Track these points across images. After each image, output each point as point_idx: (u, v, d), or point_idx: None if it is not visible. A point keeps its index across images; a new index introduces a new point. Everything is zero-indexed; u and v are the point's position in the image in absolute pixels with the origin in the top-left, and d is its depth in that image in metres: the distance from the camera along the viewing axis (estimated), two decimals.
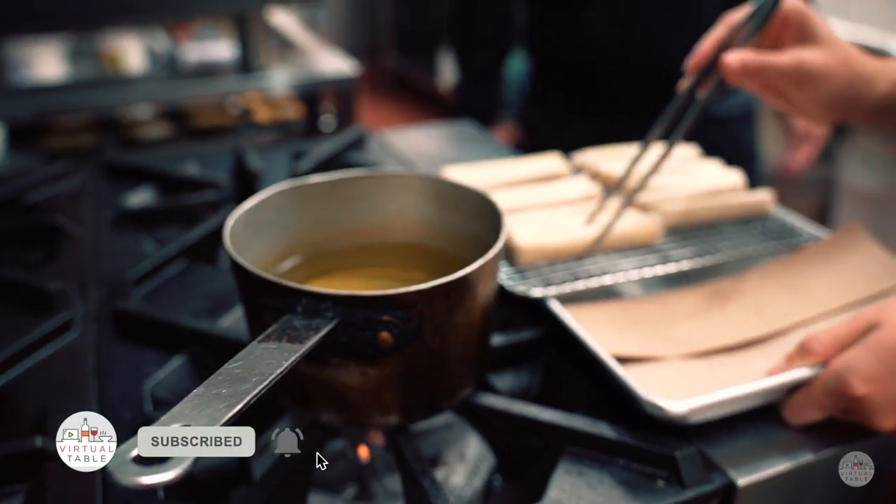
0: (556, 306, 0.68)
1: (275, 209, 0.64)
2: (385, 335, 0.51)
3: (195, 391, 0.38)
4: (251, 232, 0.62)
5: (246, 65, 1.58)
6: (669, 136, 0.76)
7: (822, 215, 2.34)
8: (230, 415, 0.36)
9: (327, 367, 0.53)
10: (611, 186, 0.83)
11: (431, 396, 0.57)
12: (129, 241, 0.87)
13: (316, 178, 0.67)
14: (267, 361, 0.42)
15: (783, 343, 0.67)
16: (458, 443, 0.68)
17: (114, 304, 0.72)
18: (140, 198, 0.98)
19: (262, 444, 0.66)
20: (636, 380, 0.59)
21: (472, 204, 0.65)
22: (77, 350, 0.68)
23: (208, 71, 1.76)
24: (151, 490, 0.53)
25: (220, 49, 2.13)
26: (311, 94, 1.66)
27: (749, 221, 0.83)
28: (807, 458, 0.58)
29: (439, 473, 0.65)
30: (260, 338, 0.45)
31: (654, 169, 0.76)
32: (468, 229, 0.66)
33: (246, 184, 1.01)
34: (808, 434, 0.60)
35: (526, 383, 0.70)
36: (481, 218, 0.63)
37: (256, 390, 0.38)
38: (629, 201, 0.77)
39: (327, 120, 1.70)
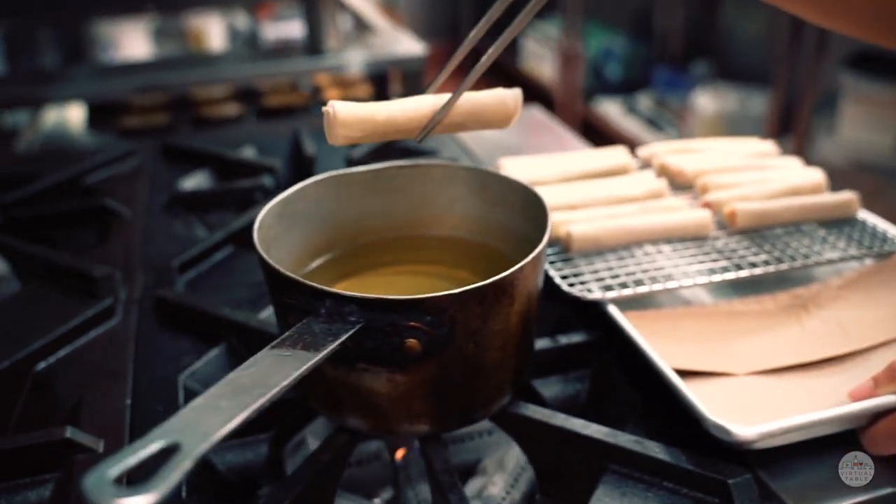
0: (614, 311, 0.63)
1: (312, 200, 0.61)
2: (412, 342, 0.47)
3: (195, 401, 0.36)
4: (286, 224, 0.59)
5: (313, 46, 1.56)
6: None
7: None
8: (224, 431, 0.33)
9: (353, 371, 0.50)
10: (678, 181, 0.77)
11: (465, 406, 0.53)
12: (179, 225, 0.87)
13: (356, 169, 0.64)
14: (276, 371, 0.39)
15: (867, 363, 0.60)
16: (498, 450, 0.64)
17: (155, 292, 0.71)
18: (195, 181, 0.97)
19: (296, 444, 0.64)
20: (700, 397, 0.54)
21: (519, 199, 0.61)
22: (117, 337, 0.68)
23: (282, 50, 1.76)
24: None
25: (296, 28, 2.12)
26: (381, 74, 1.64)
27: (833, 224, 0.76)
28: (885, 491, 0.51)
29: (476, 484, 0.61)
30: (274, 343, 0.43)
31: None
32: (514, 225, 0.61)
33: (302, 169, 0.99)
34: (886, 465, 0.53)
35: (574, 391, 0.66)
36: (527, 214, 0.59)
37: (257, 404, 0.36)
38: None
39: None
